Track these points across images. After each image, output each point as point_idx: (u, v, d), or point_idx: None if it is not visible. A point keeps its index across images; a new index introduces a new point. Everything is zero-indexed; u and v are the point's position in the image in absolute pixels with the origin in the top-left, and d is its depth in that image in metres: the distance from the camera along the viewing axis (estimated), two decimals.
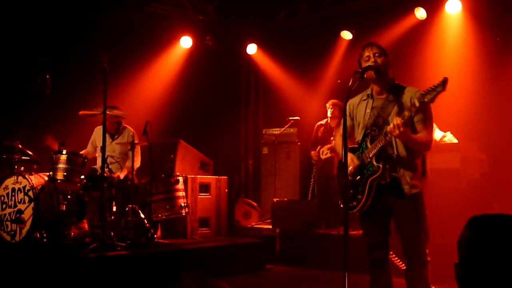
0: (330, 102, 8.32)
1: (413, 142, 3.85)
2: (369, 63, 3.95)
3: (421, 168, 3.98)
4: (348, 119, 4.25)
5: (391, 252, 4.19)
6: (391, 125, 3.73)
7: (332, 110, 8.23)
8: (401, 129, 3.67)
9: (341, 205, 4.14)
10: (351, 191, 4.06)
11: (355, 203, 4.03)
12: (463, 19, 8.10)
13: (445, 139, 7.12)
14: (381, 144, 3.90)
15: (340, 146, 4.21)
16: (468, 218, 1.94)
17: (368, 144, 4.01)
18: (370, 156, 3.96)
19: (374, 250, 4.11)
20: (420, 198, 3.96)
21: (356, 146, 4.14)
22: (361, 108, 4.16)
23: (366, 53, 4.03)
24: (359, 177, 4.05)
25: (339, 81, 9.11)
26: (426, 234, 3.94)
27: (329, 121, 8.39)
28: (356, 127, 4.20)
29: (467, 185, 6.74)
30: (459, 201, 6.49)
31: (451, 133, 7.17)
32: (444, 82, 3.56)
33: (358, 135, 4.15)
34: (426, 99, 3.61)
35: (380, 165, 3.90)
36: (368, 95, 4.15)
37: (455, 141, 7.08)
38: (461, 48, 8.04)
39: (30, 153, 6.70)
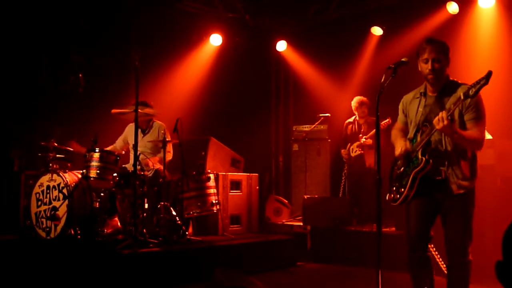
0: (355, 101, 8.32)
1: (461, 137, 3.80)
2: (426, 69, 3.93)
3: (470, 168, 3.93)
4: (401, 115, 4.29)
5: (431, 246, 4.15)
6: (436, 118, 3.71)
7: (359, 110, 8.26)
8: (445, 122, 3.65)
9: (387, 198, 4.10)
10: (397, 184, 4.04)
11: (398, 196, 4.01)
12: (496, 12, 7.93)
13: None
14: (427, 137, 3.87)
15: (396, 140, 4.20)
16: (503, 216, 1.89)
17: (418, 139, 3.99)
18: (417, 149, 3.95)
19: (413, 238, 4.05)
20: (469, 197, 3.93)
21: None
22: (413, 106, 4.15)
23: (425, 55, 3.97)
24: (404, 169, 4.03)
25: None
26: (470, 234, 3.93)
27: (357, 118, 8.41)
28: (409, 124, 4.19)
29: (502, 182, 6.61)
30: (494, 198, 6.38)
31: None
32: (488, 75, 3.52)
33: (411, 132, 4.14)
34: (471, 93, 3.56)
35: (424, 158, 3.87)
36: (421, 93, 4.13)
37: (489, 137, 6.95)
38: (495, 42, 7.87)
39: (70, 148, 6.81)
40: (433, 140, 3.91)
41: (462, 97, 3.62)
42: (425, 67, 3.97)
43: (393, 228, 7.18)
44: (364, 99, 8.32)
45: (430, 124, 3.88)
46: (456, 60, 7.67)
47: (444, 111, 3.69)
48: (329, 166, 9.58)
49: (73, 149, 6.86)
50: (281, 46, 10.26)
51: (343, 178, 8.87)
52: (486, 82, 3.51)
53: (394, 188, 4.06)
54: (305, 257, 7.69)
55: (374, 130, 8.00)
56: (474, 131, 3.83)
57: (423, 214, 4.03)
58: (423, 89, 4.13)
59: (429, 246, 4.14)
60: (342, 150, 8.57)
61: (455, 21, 8.20)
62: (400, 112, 4.31)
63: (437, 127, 3.70)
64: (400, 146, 4.10)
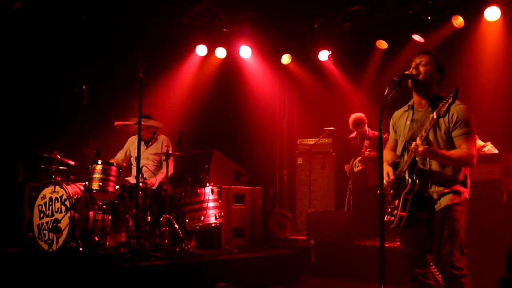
0: (350, 122, 8.33)
1: (445, 158, 3.77)
2: (409, 71, 3.88)
3: (457, 183, 3.86)
4: (392, 132, 4.24)
5: (432, 267, 4.08)
6: (413, 145, 3.71)
7: (355, 130, 8.28)
8: (420, 148, 3.65)
9: (385, 220, 4.04)
10: (391, 205, 4.00)
11: (392, 218, 3.96)
12: (503, 25, 7.89)
13: (485, 149, 6.94)
14: (410, 158, 3.85)
15: (384, 163, 4.15)
16: (509, 231, 1.85)
17: (405, 157, 3.94)
18: (404, 170, 3.91)
19: (413, 265, 3.99)
20: (454, 209, 3.83)
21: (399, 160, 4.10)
22: (402, 120, 4.12)
23: (416, 60, 3.97)
24: (394, 191, 4.00)
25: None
26: (459, 247, 3.81)
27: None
28: (398, 139, 4.15)
29: (508, 197, 6.53)
30: (499, 213, 6.31)
31: (491, 143, 6.98)
32: (455, 94, 3.53)
33: (398, 149, 4.10)
34: (441, 112, 3.57)
35: (410, 179, 3.83)
36: (409, 106, 4.10)
37: (495, 151, 6.89)
38: (501, 56, 7.83)
39: (71, 162, 6.79)
40: (419, 159, 3.87)
41: (434, 116, 3.62)
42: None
43: (398, 243, 7.11)
44: (359, 118, 8.30)
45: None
46: (462, 73, 7.75)
47: (418, 138, 3.71)
48: (333, 180, 9.54)
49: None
50: (286, 59, 10.25)
51: (347, 192, 8.82)
52: (453, 101, 3.53)
53: (389, 210, 4.01)
54: (308, 272, 7.60)
55: (371, 143, 8.02)
56: (461, 149, 3.77)
57: (417, 240, 3.96)
58: (411, 102, 4.10)
59: (432, 270, 4.06)
60: (346, 165, 8.56)
61: (461, 35, 8.17)
62: (390, 129, 4.26)
63: (416, 154, 3.73)
64: (385, 173, 4.04)
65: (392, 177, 3.99)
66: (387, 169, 4.06)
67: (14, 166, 7.36)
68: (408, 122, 4.02)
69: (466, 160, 3.79)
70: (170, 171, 7.14)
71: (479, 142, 6.94)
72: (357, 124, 8.29)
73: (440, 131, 3.84)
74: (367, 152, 8.13)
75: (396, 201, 3.93)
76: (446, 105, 3.53)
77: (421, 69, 3.91)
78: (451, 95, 3.52)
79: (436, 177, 3.85)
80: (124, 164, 7.29)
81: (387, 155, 4.25)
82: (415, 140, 3.83)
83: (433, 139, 3.80)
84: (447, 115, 3.75)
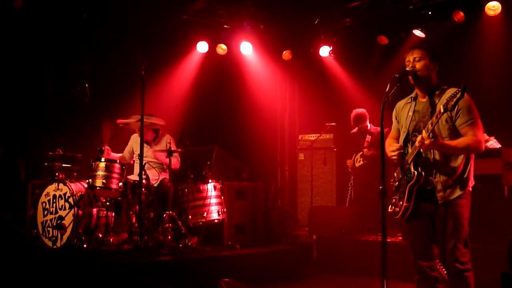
0: (351, 118, 8.38)
1: (452, 149, 3.81)
2: (408, 68, 3.93)
3: (460, 174, 3.89)
4: (395, 122, 4.30)
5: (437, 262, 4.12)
6: (419, 138, 3.75)
7: (356, 126, 8.31)
8: (426, 142, 3.69)
9: (389, 210, 4.08)
10: (396, 196, 4.04)
11: (397, 209, 4.01)
12: (503, 20, 7.90)
13: (488, 144, 6.96)
14: (416, 151, 3.88)
15: (387, 147, 4.21)
16: (510, 225, 1.88)
17: (409, 150, 3.98)
18: (409, 162, 3.94)
19: (419, 258, 4.04)
20: (457, 203, 3.87)
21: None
22: (404, 111, 4.16)
23: (408, 58, 4.03)
24: (399, 182, 4.05)
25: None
26: (463, 241, 3.85)
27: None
28: (400, 129, 4.20)
29: (510, 191, 6.56)
30: (501, 208, 6.33)
31: (495, 138, 6.99)
32: (464, 89, 3.56)
33: (400, 139, 4.14)
34: (449, 106, 3.60)
35: (416, 172, 3.87)
36: (411, 97, 4.16)
37: (498, 146, 6.90)
38: (502, 50, 7.84)
39: (74, 154, 6.84)
40: (423, 150, 3.90)
41: (442, 110, 3.65)
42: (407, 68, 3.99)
43: (399, 238, 7.15)
44: (360, 114, 8.32)
45: (419, 133, 3.88)
46: (463, 68, 7.76)
47: (424, 131, 3.74)
48: (335, 176, 9.55)
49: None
50: (287, 55, 10.26)
51: (349, 187, 8.84)
52: (462, 96, 3.57)
53: (394, 201, 4.07)
54: (311, 267, 7.65)
55: (373, 139, 8.05)
56: (467, 136, 3.81)
57: (423, 233, 4.01)
58: (414, 94, 4.16)
59: (437, 264, 4.10)
60: (348, 161, 8.58)
61: (462, 30, 8.17)
62: (393, 119, 4.32)
63: (422, 148, 3.78)
64: (390, 149, 4.09)
65: (397, 145, 4.05)
66: (392, 143, 4.14)
67: (17, 165, 7.40)
68: (410, 113, 4.07)
69: (475, 147, 3.82)
70: (177, 166, 7.17)
71: (484, 136, 6.95)
72: (358, 120, 8.32)
73: (441, 122, 3.87)
74: (365, 150, 8.16)
75: (402, 193, 3.97)
76: (454, 99, 3.56)
77: (418, 65, 3.96)
78: (460, 89, 3.56)
79: (439, 167, 3.88)
80: (131, 162, 7.33)
81: (390, 142, 4.30)
82: (417, 131, 3.89)
83: (436, 131, 3.83)
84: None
